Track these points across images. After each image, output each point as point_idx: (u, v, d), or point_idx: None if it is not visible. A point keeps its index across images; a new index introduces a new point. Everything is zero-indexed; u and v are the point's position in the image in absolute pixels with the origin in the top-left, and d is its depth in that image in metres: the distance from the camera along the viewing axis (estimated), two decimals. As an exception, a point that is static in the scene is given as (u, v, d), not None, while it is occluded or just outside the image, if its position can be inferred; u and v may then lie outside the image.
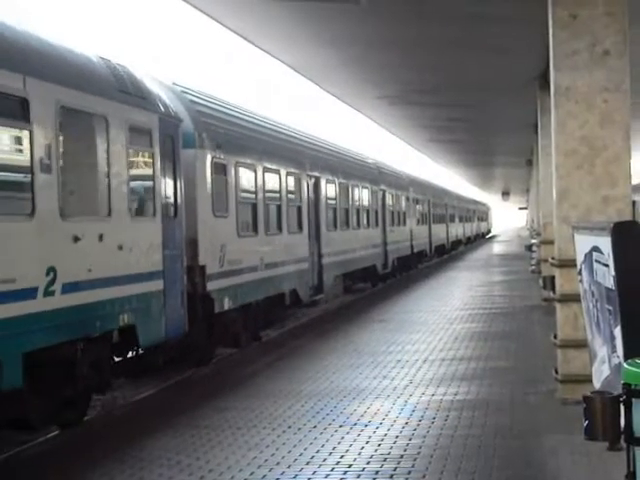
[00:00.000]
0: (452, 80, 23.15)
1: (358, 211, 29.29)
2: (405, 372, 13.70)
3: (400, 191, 38.47)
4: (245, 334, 17.61)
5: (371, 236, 31.12)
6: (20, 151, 10.03)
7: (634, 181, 12.21)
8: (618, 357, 5.61)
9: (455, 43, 18.37)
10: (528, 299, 24.71)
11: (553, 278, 12.09)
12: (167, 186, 13.63)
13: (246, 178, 17.87)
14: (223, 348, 17.16)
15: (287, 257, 20.26)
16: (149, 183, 13.06)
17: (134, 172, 12.61)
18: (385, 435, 9.76)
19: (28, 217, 9.74)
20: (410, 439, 9.54)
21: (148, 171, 13.08)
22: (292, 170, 21.16)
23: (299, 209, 21.70)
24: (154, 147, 13.14)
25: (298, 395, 12.18)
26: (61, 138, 10.50)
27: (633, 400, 4.98)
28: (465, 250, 67.35)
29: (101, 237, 11.30)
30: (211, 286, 15.33)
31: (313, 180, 23.30)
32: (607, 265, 5.68)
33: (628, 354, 5.31)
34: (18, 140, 10.02)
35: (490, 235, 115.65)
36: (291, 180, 21.10)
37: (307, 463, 8.75)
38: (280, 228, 19.99)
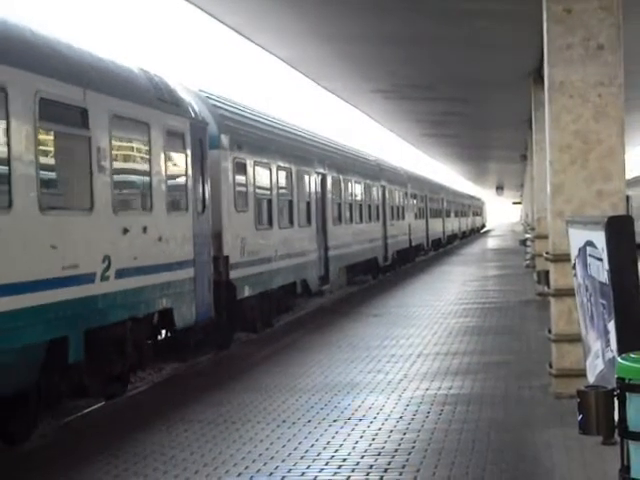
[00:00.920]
0: (446, 75, 23.16)
1: (361, 206, 30.80)
2: (399, 366, 13.71)
3: (399, 187, 39.89)
4: (261, 320, 19.11)
5: (373, 230, 32.60)
6: (81, 154, 11.35)
7: (628, 176, 12.22)
8: (612, 351, 5.62)
9: (450, 38, 18.38)
10: (522, 294, 24.73)
11: (547, 273, 12.10)
12: (197, 184, 15.15)
13: (262, 176, 19.52)
14: (241, 333, 18.46)
15: (298, 249, 21.83)
16: (182, 181, 14.60)
17: (170, 171, 14.07)
18: (379, 429, 9.77)
19: (88, 211, 11.25)
20: (404, 433, 9.55)
21: (181, 170, 14.60)
22: (302, 168, 22.76)
23: (308, 204, 23.23)
24: (186, 149, 14.69)
25: (292, 389, 12.18)
26: (113, 142, 11.98)
27: (627, 394, 4.99)
28: (460, 244, 67.54)
29: (145, 229, 12.81)
30: (233, 275, 16.88)
31: (320, 177, 24.77)
32: (601, 259, 5.69)
33: (622, 348, 5.32)
34: (80, 145, 11.33)
35: (485, 230, 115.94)
36: (301, 177, 22.72)
37: (301, 457, 8.75)
38: (292, 222, 21.59)
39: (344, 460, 8.59)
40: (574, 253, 6.76)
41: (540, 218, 23.74)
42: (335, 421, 10.25)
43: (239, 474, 8.25)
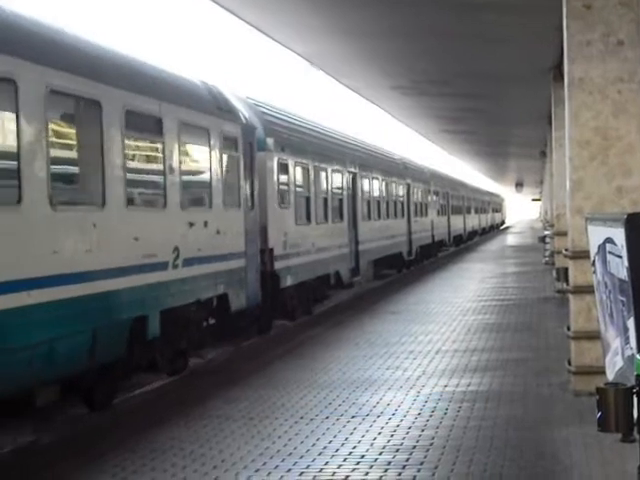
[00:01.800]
0: (465, 71, 23.09)
1: (387, 203, 32.59)
2: (418, 363, 13.70)
3: (423, 184, 41.68)
4: (300, 309, 20.82)
5: (398, 226, 34.61)
6: (156, 159, 13.12)
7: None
8: (631, 349, 5.59)
9: (469, 34, 18.32)
10: (541, 291, 24.67)
11: (566, 270, 12.06)
12: (247, 183, 16.83)
13: (302, 175, 21.52)
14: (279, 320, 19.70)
15: (332, 243, 23.73)
16: (235, 181, 16.22)
17: (226, 172, 15.67)
18: (398, 426, 9.76)
19: (162, 208, 12.99)
20: (423, 430, 9.54)
21: (235, 171, 16.23)
22: (335, 167, 24.66)
23: (340, 201, 25.12)
24: (239, 152, 16.40)
25: (311, 385, 12.19)
26: (180, 147, 13.63)
27: (646, 392, 4.97)
28: (479, 241, 67.51)
29: (206, 224, 14.52)
30: (277, 265, 18.68)
31: (351, 176, 26.56)
32: (620, 256, 5.66)
33: (641, 346, 5.29)
34: (156, 150, 13.08)
35: (504, 226, 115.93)
36: (334, 176, 24.56)
37: (319, 453, 8.75)
38: (326, 218, 23.48)
39: (362, 456, 8.59)
40: (593, 250, 6.73)
41: (559, 215, 23.64)
42: (353, 417, 10.25)
43: (257, 470, 8.26)
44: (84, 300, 10.56)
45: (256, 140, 17.51)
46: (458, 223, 56.86)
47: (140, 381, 14.04)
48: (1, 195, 9.46)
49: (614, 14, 10.75)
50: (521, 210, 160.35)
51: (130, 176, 11.91)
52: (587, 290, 9.57)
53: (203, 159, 14.94)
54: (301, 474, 8.09)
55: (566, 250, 11.50)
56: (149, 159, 13.24)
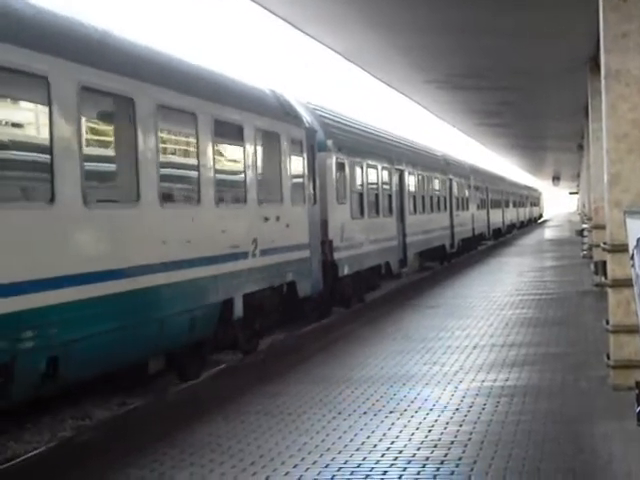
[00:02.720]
0: (501, 64, 23.00)
1: (431, 198, 34.40)
2: (455, 358, 13.66)
3: (463, 179, 43.36)
4: (354, 296, 22.55)
5: (442, 219, 36.52)
6: (236, 161, 15.05)
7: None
8: (671, 342, 5.55)
9: (503, 27, 18.24)
10: (579, 284, 24.52)
11: (604, 263, 11.96)
12: (310, 181, 18.71)
13: (356, 173, 23.39)
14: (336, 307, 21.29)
15: (382, 236, 25.54)
16: (301, 179, 18.13)
17: (293, 171, 17.54)
18: (435, 421, 9.74)
19: (243, 204, 14.93)
20: (460, 425, 9.52)
21: (300, 170, 18.07)
22: (385, 165, 26.50)
23: (389, 197, 26.95)
24: (303, 153, 18.28)
25: (348, 381, 12.19)
26: (258, 151, 15.63)
27: (686, 386, 4.93)
28: (517, 235, 67.35)
29: (278, 218, 16.40)
30: (336, 256, 20.54)
31: (398, 173, 28.36)
32: (659, 249, 5.62)
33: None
34: (237, 155, 15.05)
35: (542, 220, 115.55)
36: (384, 173, 26.46)
37: (357, 449, 8.76)
38: (377, 212, 25.41)
39: (400, 452, 8.58)
40: (632, 243, 6.69)
41: (597, 208, 23.47)
42: (391, 413, 10.24)
43: (295, 465, 8.27)
44: (187, 284, 12.47)
45: (317, 142, 19.55)
46: (497, 217, 58.31)
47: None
48: (125, 193, 11.32)
49: (651, 5, 10.65)
50: (558, 203, 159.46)
51: (218, 177, 13.88)
52: (625, 284, 9.49)
53: (275, 160, 16.80)
54: (339, 469, 8.10)
55: (604, 244, 11.42)
56: (233, 162, 14.98)
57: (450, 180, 38.87)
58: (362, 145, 24.38)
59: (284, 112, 17.38)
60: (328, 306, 20.56)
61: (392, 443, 8.91)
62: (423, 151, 35.11)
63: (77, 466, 8.88)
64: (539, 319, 17.87)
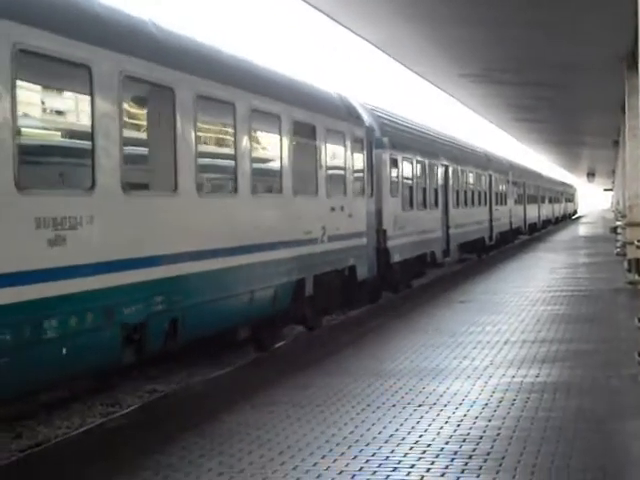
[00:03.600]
0: (536, 59, 22.88)
1: (473, 192, 35.99)
2: (485, 353, 13.62)
3: (502, 175, 44.70)
4: (402, 282, 24.29)
5: (482, 213, 38.04)
6: (310, 157, 16.57)
7: None
8: None
9: (540, 23, 18.15)
10: (612, 282, 24.35)
11: (638, 261, 11.90)
12: (368, 175, 20.41)
13: (406, 168, 24.88)
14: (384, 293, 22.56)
15: (429, 227, 27.30)
16: (361, 174, 19.85)
17: (355, 167, 19.28)
18: (464, 416, 9.71)
19: (315, 196, 16.63)
20: (489, 420, 9.48)
21: (360, 166, 19.77)
22: (432, 161, 28.12)
23: (435, 191, 28.59)
24: (363, 150, 19.97)
25: (377, 374, 12.18)
26: (327, 148, 17.27)
27: None
28: (551, 230, 67.14)
29: (342, 208, 18.10)
30: (389, 244, 22.20)
31: (444, 168, 29.98)
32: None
33: None
34: (311, 150, 16.62)
35: (576, 216, 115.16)
36: (431, 169, 28.08)
37: (385, 441, 8.75)
38: (425, 205, 27.11)
39: (428, 445, 8.56)
40: (667, 241, 6.63)
41: (632, 205, 23.32)
42: (420, 406, 10.23)
43: (323, 456, 8.28)
44: (272, 264, 14.41)
45: (374, 140, 21.34)
46: (533, 212, 59.63)
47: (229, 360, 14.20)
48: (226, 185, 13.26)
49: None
50: (593, 200, 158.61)
51: (296, 171, 15.53)
52: (659, 281, 9.42)
53: (341, 157, 18.46)
54: (367, 461, 8.09)
55: (638, 241, 11.33)
56: (308, 158, 16.51)
57: (490, 176, 40.34)
58: (412, 142, 25.95)
59: (348, 113, 19.21)
60: (379, 290, 22.05)
61: (420, 436, 8.90)
62: (466, 147, 36.61)
63: (106, 452, 8.94)
64: (571, 316, 17.77)
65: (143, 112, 11.22)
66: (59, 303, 9.03)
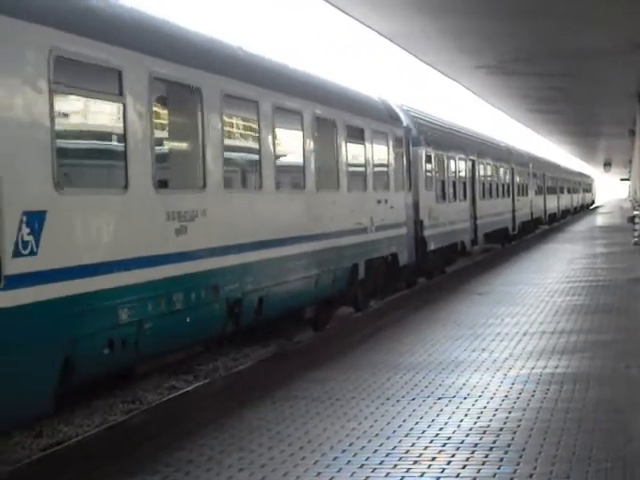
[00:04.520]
0: (552, 49, 22.80)
1: (497, 185, 38.35)
2: (505, 345, 13.60)
3: (523, 167, 47.06)
4: (437, 269, 26.75)
5: (505, 204, 40.30)
6: (362, 158, 18.84)
7: None
8: None
9: (554, 11, 18.08)
10: (631, 272, 24.27)
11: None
12: (407, 171, 22.75)
13: (439, 164, 27.14)
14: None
15: (459, 218, 29.50)
16: (400, 169, 22.02)
17: (396, 163, 21.46)
18: (484, 408, 9.70)
19: (364, 191, 18.91)
20: (510, 412, 9.47)
21: (400, 162, 22.03)
22: (460, 156, 30.38)
23: (464, 184, 30.96)
24: (403, 148, 22.31)
25: (397, 367, 12.17)
26: (374, 148, 19.48)
27: None
28: (569, 220, 67.14)
29: (386, 201, 20.37)
30: (425, 233, 24.33)
31: (471, 162, 32.30)
32: None
33: None
34: (361, 150, 18.85)
35: (593, 206, 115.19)
36: (460, 164, 30.33)
37: (406, 435, 8.75)
38: (455, 197, 29.33)
39: (449, 438, 8.56)
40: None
41: (649, 194, 23.21)
42: (440, 399, 10.22)
43: (343, 450, 8.29)
44: (333, 250, 16.64)
45: (411, 138, 23.52)
46: (552, 202, 61.95)
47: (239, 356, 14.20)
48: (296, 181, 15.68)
49: None
50: (610, 190, 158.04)
51: (350, 169, 17.87)
52: (678, 271, 9.38)
53: (384, 155, 20.63)
54: (387, 455, 8.10)
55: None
56: (358, 157, 18.66)
57: (512, 168, 42.54)
58: (443, 139, 28.08)
59: (389, 115, 21.51)
60: (415, 276, 24.28)
61: (441, 429, 8.90)
62: (490, 142, 39.09)
63: (128, 449, 8.96)
64: (590, 306, 17.72)
65: (236, 124, 13.52)
66: (184, 281, 11.21)
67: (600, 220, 67.43)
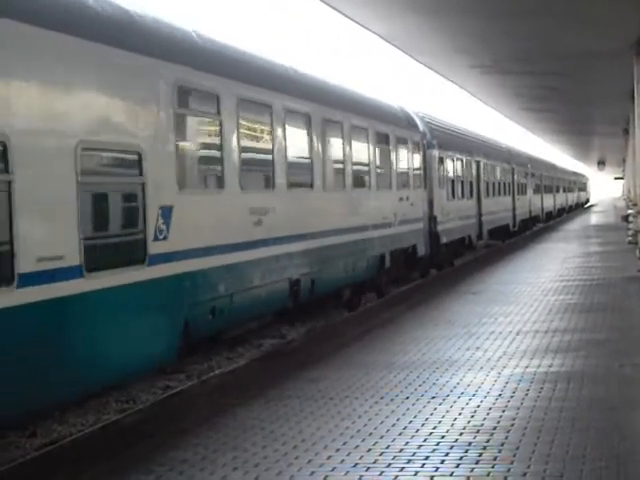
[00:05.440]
0: (546, 49, 22.81)
1: (499, 184, 40.96)
2: (498, 344, 13.61)
3: (522, 167, 49.73)
4: (447, 261, 29.26)
5: (507, 202, 43.23)
6: (387, 160, 21.93)
7: None
8: None
9: (549, 11, 18.09)
10: (624, 271, 24.29)
11: (650, 249, 11.87)
12: (422, 171, 25.69)
13: (449, 165, 29.92)
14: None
15: (466, 214, 32.20)
16: (419, 171, 25.27)
17: (414, 165, 24.62)
18: (478, 406, 9.72)
19: (389, 189, 21.96)
20: (503, 411, 9.48)
21: (418, 164, 25.22)
22: (467, 157, 33.15)
23: (471, 183, 33.81)
24: (419, 151, 25.41)
25: (390, 366, 12.18)
26: (398, 152, 22.74)
27: None
28: (564, 219, 67.44)
29: (407, 198, 23.46)
30: (438, 228, 26.82)
31: (476, 163, 35.09)
32: None
33: None
34: (386, 153, 21.99)
35: (588, 204, 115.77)
36: (467, 164, 33.09)
37: (400, 434, 8.76)
38: (463, 195, 32.02)
39: (442, 437, 8.57)
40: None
41: (643, 193, 23.22)
42: (433, 398, 10.23)
43: (337, 449, 8.29)
44: (366, 241, 19.69)
45: (426, 142, 26.39)
46: (549, 201, 65.30)
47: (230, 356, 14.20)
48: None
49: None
50: (604, 188, 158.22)
51: (379, 171, 21.05)
52: (671, 270, 9.39)
53: (404, 157, 23.60)
54: (381, 454, 8.10)
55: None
56: (384, 159, 21.58)
57: (513, 169, 45.45)
58: (453, 142, 30.73)
59: (407, 122, 24.41)
60: (428, 267, 26.66)
61: (434, 428, 8.91)
62: (493, 144, 41.87)
63: (122, 448, 8.96)
64: (583, 305, 17.74)
65: (295, 135, 16.06)
66: (260, 263, 14.01)
67: (594, 219, 67.50)
